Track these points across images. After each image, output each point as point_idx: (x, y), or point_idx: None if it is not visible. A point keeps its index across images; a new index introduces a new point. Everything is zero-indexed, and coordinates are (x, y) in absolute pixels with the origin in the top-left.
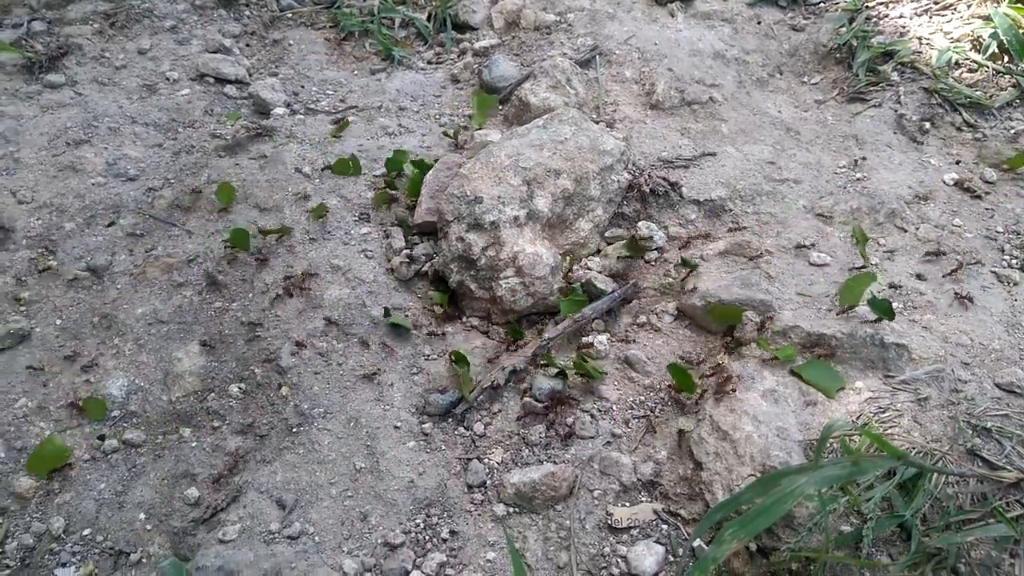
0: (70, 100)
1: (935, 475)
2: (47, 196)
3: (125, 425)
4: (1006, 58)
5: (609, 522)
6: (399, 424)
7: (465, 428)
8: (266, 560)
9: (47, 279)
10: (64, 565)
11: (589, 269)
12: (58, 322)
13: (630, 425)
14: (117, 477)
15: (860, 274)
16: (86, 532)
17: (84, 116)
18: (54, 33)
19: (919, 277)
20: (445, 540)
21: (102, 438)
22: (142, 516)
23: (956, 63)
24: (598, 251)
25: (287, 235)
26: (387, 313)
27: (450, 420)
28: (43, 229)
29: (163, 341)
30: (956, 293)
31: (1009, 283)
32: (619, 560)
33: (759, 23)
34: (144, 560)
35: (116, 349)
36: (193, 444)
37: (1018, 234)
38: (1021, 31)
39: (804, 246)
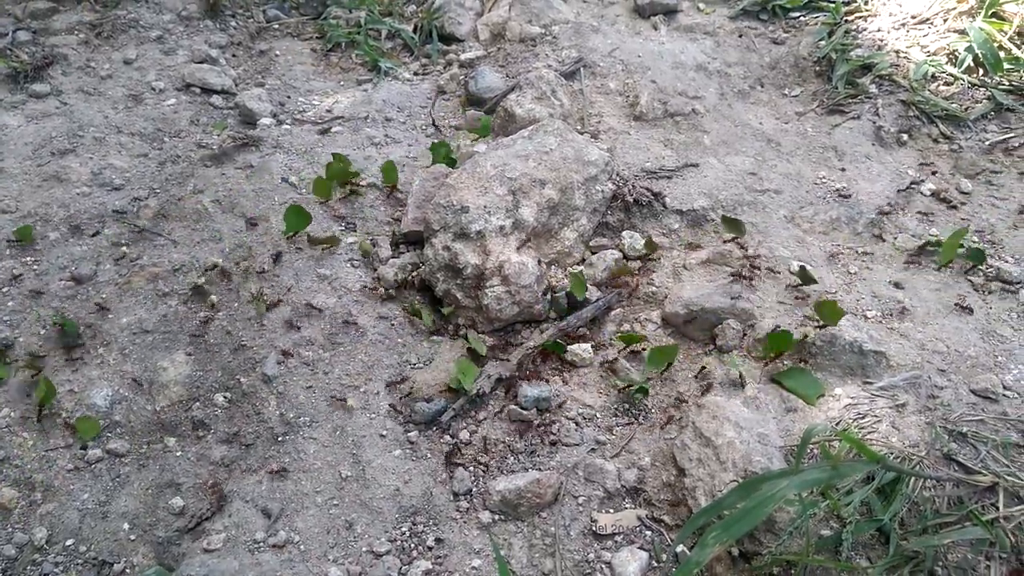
0: (55, 110)
1: (912, 479)
2: (31, 206)
3: (109, 435)
4: (981, 71)
5: (594, 528)
6: (385, 432)
7: (451, 436)
8: (251, 569)
9: (31, 288)
10: (47, 575)
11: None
12: (42, 332)
13: (614, 432)
14: (101, 487)
15: (956, 230)
16: (69, 542)
17: (69, 126)
18: (39, 43)
19: (897, 285)
20: (431, 548)
21: (85, 448)
22: (126, 526)
23: (933, 76)
24: (583, 260)
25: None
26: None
27: (435, 428)
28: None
29: (148, 351)
30: (958, 304)
31: (984, 292)
32: (604, 566)
33: (740, 36)
34: (128, 570)
35: (100, 359)
36: (178, 453)
37: (993, 243)
38: (995, 45)
39: (784, 255)
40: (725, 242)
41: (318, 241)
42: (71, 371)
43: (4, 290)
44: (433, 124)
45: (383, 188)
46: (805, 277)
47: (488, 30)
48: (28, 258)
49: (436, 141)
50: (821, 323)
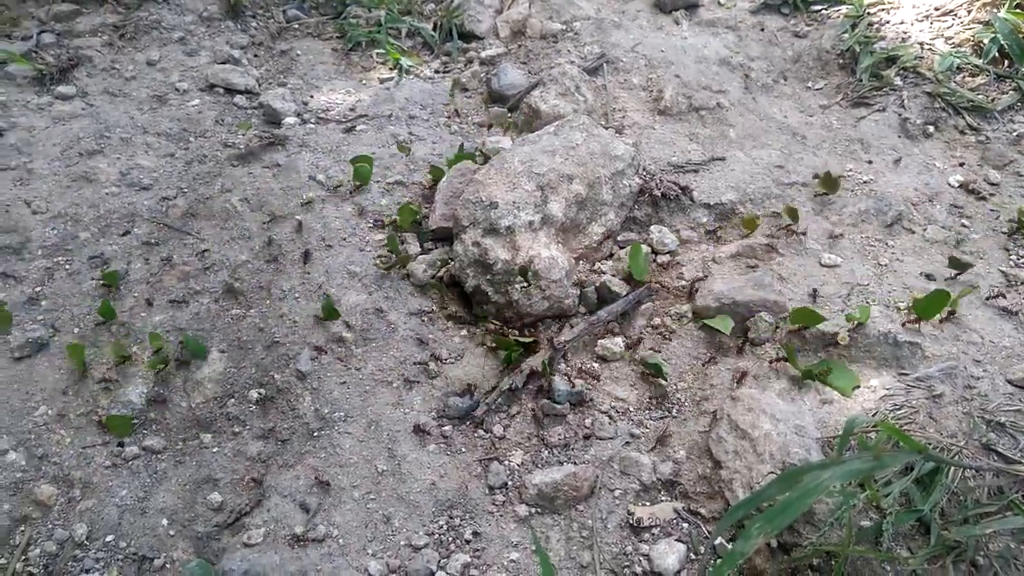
0: (81, 111)
1: (952, 469)
2: (61, 206)
3: (145, 432)
4: (1007, 62)
5: (631, 521)
6: (419, 427)
7: (484, 431)
8: (292, 563)
9: (63, 288)
10: (88, 571)
11: (603, 272)
12: (76, 331)
13: (648, 425)
14: (139, 483)
15: None
16: (109, 538)
17: (96, 127)
18: (64, 45)
19: (929, 277)
20: (468, 541)
21: (122, 445)
22: (165, 522)
23: (958, 68)
24: (611, 255)
25: None
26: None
27: (469, 423)
28: (58, 239)
29: (181, 348)
30: (1002, 308)
31: (1016, 282)
32: (641, 559)
33: (763, 30)
34: (168, 565)
35: (134, 356)
36: (214, 450)
37: (1023, 235)
38: (1021, 35)
39: (814, 248)
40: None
41: (401, 259)
42: (106, 368)
43: (37, 289)
44: (456, 113)
45: (409, 185)
46: (959, 265)
47: (508, 27)
48: (60, 258)
49: (467, 146)
50: (915, 317)
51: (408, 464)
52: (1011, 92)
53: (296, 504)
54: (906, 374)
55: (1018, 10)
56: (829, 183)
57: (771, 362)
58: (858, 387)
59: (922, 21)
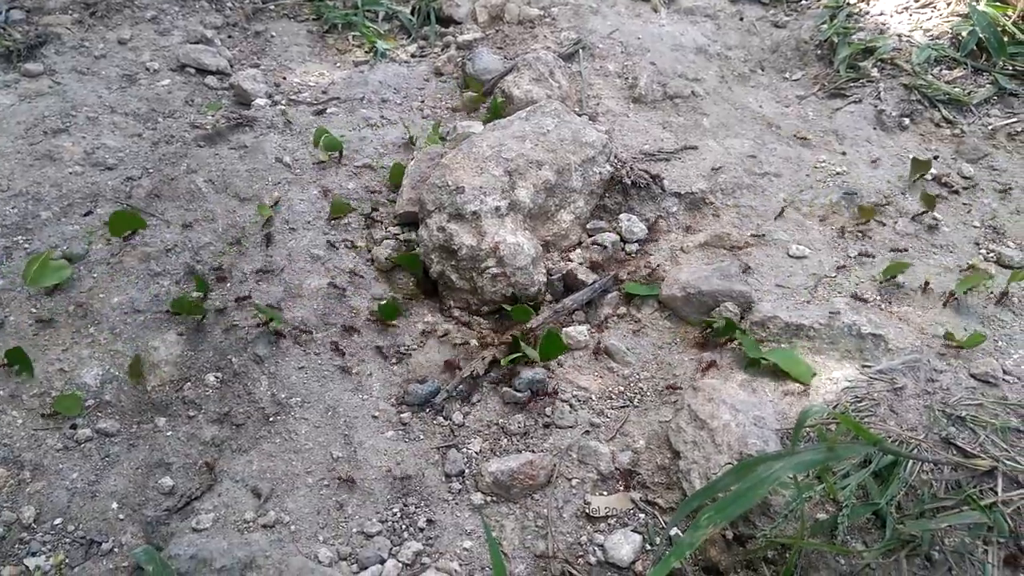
0: (48, 89)
1: (910, 463)
2: (23, 185)
3: (99, 414)
4: (984, 56)
5: (587, 511)
6: (377, 414)
7: (444, 418)
8: (240, 548)
9: (22, 268)
10: (34, 554)
11: (570, 260)
12: (32, 311)
13: (608, 414)
14: (90, 466)
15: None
16: (57, 521)
17: (62, 105)
18: (33, 22)
19: None
20: (422, 529)
21: (75, 427)
22: (115, 505)
23: (935, 60)
24: (579, 243)
25: None
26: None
27: (429, 410)
28: (19, 218)
29: (139, 330)
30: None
31: (984, 276)
32: (596, 548)
33: (741, 19)
34: (116, 549)
35: (91, 338)
36: (168, 433)
37: (994, 228)
38: (999, 29)
39: (783, 239)
40: None
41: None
42: (61, 350)
43: None
44: (459, 106)
45: (377, 169)
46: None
47: (486, 12)
48: (19, 237)
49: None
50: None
51: (364, 451)
52: (988, 86)
53: (248, 489)
54: (869, 366)
55: (997, 3)
56: (920, 165)
57: (725, 341)
58: (816, 374)
59: (901, 13)
